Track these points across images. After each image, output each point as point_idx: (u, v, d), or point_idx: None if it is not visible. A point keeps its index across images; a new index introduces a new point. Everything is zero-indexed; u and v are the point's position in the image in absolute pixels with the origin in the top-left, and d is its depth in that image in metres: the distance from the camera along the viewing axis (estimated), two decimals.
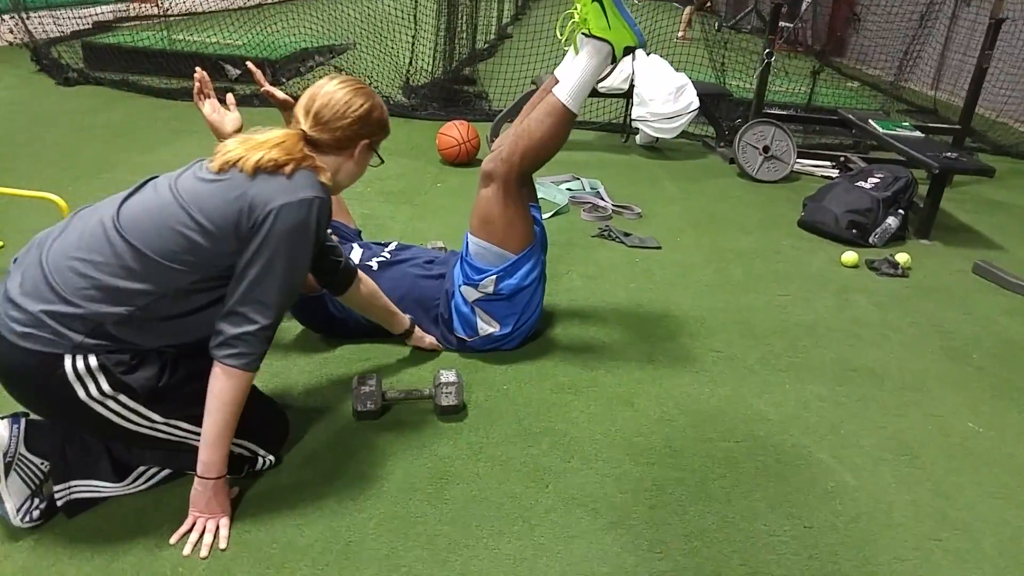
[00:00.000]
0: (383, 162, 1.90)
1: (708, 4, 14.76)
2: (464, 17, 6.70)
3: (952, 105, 6.88)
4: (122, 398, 1.53)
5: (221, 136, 2.03)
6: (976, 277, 3.35)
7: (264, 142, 1.63)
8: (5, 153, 4.10)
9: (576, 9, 2.16)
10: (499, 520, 1.72)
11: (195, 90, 2.09)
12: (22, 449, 1.59)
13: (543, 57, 6.07)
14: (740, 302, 2.94)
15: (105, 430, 1.57)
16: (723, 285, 3.08)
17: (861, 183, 3.74)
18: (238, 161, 1.59)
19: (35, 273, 1.50)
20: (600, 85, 4.65)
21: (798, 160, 4.66)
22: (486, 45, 8.87)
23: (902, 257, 3.34)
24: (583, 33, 2.16)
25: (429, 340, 2.37)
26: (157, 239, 1.52)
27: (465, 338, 2.38)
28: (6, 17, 6.30)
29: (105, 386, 1.50)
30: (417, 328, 2.34)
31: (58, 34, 7.00)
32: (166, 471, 1.72)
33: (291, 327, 2.46)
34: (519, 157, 2.21)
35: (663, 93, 4.58)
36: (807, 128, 5.48)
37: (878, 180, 3.73)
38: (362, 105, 1.73)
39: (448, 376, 2.05)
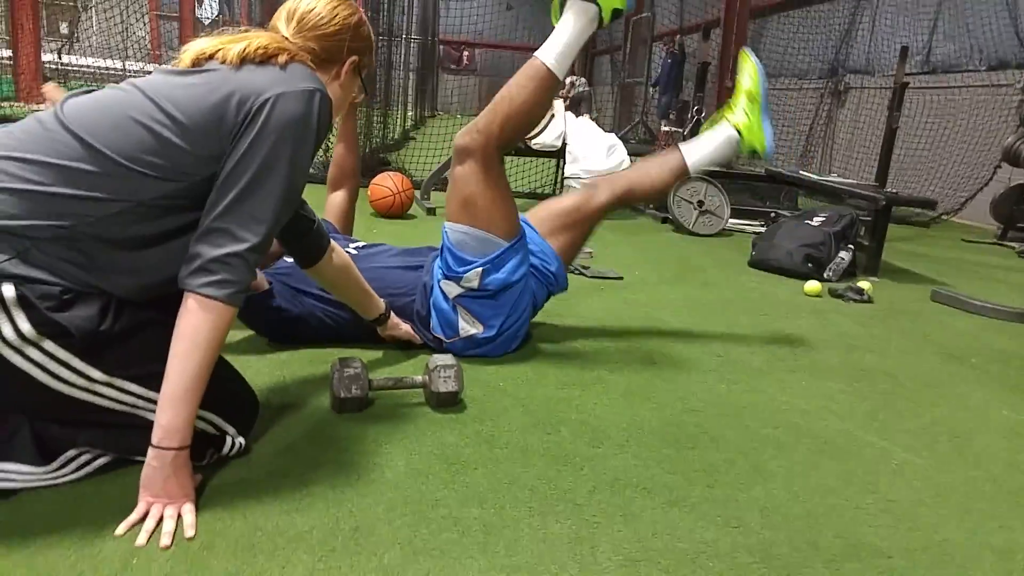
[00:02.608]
0: (367, 95, 1.62)
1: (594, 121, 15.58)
2: (376, 110, 6.73)
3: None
4: (48, 345, 1.12)
5: None
6: (937, 304, 3.32)
7: (244, 34, 1.33)
8: None
9: None
10: (537, 502, 1.37)
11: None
12: None
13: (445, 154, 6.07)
14: (723, 319, 2.75)
15: (22, 393, 1.15)
16: (698, 306, 2.90)
17: (808, 222, 3.74)
18: (216, 53, 1.28)
19: None
20: (534, 142, 4.59)
21: (729, 220, 4.68)
22: (395, 140, 8.89)
23: (865, 284, 3.28)
24: None
25: (405, 328, 2.03)
26: (116, 133, 1.17)
27: (444, 338, 2.05)
28: None
29: (25, 326, 1.10)
30: (393, 315, 1.99)
31: None
32: (105, 457, 1.28)
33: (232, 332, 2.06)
34: (499, 126, 1.97)
35: (596, 151, 4.55)
36: (731, 188, 5.57)
37: (824, 218, 3.74)
38: (350, 15, 1.47)
39: (445, 359, 1.71)
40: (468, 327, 2.03)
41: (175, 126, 1.18)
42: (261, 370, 1.85)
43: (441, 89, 17.89)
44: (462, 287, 2.00)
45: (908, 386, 2.21)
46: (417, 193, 4.51)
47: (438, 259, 2.07)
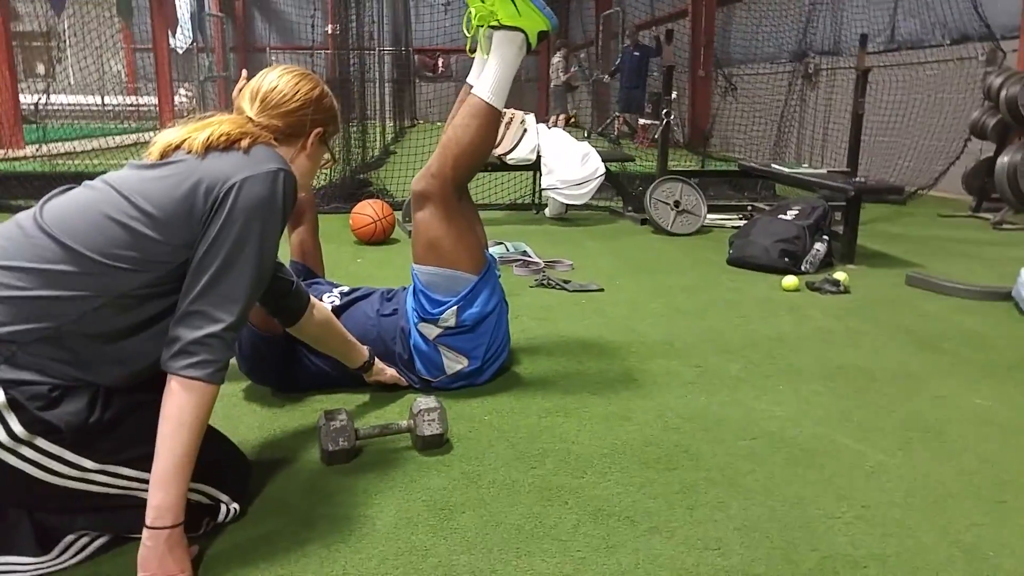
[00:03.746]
0: (336, 161, 1.68)
1: (573, 119, 15.60)
2: (354, 131, 6.74)
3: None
4: (40, 443, 1.17)
5: None
6: (912, 288, 3.39)
7: (208, 122, 1.38)
8: None
9: (473, 9, 2.04)
10: (523, 541, 1.42)
11: None
12: None
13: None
14: (702, 325, 2.81)
15: (19, 489, 1.20)
16: (678, 314, 2.95)
17: (782, 216, 3.80)
18: (182, 143, 1.34)
19: None
20: (508, 157, 4.64)
21: (708, 216, 4.74)
22: (374, 158, 8.91)
23: (840, 275, 3.35)
24: (491, 26, 2.03)
25: (391, 373, 2.07)
26: (92, 232, 1.22)
27: (430, 379, 2.10)
28: None
29: (17, 427, 1.15)
30: (377, 360, 2.04)
31: None
32: (104, 538, 1.33)
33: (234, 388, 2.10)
34: (451, 168, 2.03)
35: (570, 160, 4.60)
36: (706, 185, 5.64)
37: (797, 211, 3.80)
38: (312, 89, 1.52)
39: (428, 402, 1.76)
40: (454, 364, 2.08)
41: (147, 219, 1.24)
42: (252, 424, 1.90)
43: (420, 97, 17.93)
44: (440, 327, 2.05)
45: (882, 381, 2.28)
46: (399, 215, 4.56)
47: (410, 300, 2.12)
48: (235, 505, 1.43)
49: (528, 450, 1.79)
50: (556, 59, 13.66)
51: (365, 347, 2.00)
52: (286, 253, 1.75)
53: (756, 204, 4.84)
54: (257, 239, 1.29)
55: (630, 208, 5.15)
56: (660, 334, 2.69)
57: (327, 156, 1.60)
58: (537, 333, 2.67)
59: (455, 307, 2.04)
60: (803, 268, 3.60)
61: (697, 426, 1.94)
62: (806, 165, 4.46)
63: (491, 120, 2.06)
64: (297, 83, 1.49)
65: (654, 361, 2.42)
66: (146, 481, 1.24)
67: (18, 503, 1.25)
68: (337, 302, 2.14)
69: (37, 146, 8.50)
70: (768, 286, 3.39)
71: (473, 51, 2.14)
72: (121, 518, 1.30)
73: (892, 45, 7.27)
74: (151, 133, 11.98)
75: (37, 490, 1.19)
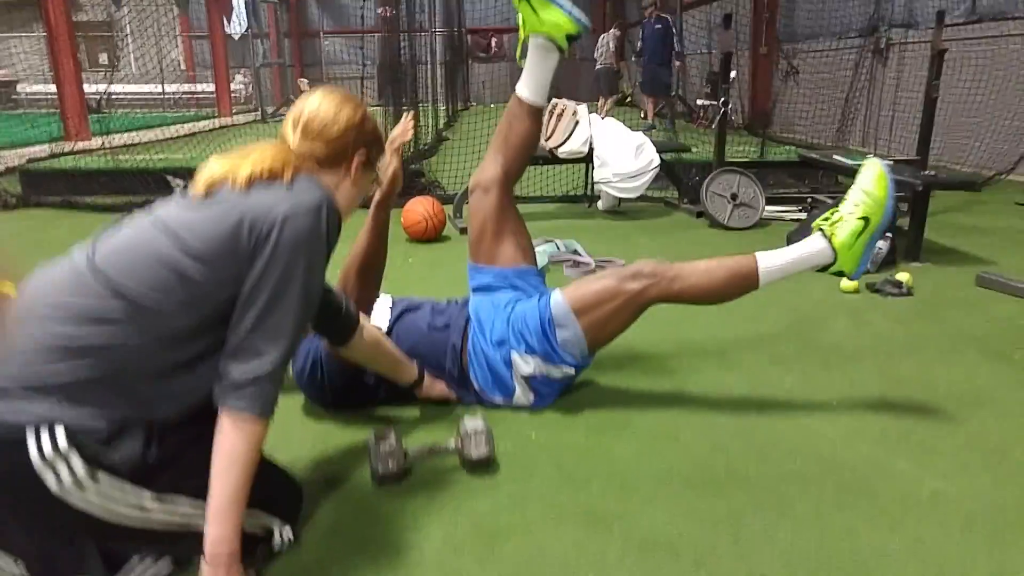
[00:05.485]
0: (381, 183, 1.70)
1: (628, 99, 15.31)
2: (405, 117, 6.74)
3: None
4: (102, 480, 1.22)
5: None
6: (982, 290, 3.25)
7: (250, 153, 1.41)
8: None
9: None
10: (568, 573, 1.44)
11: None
12: None
13: (479, 153, 6.08)
14: (756, 331, 2.76)
15: (84, 523, 1.25)
16: (732, 317, 2.89)
17: None
18: (226, 179, 1.37)
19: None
20: (560, 150, 4.61)
21: (766, 208, 4.63)
22: (426, 146, 8.95)
23: (903, 276, 3.24)
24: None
25: (439, 388, 2.09)
26: (143, 276, 1.27)
27: (493, 399, 2.11)
28: None
29: (79, 467, 1.20)
30: (427, 376, 2.07)
31: None
32: (167, 559, 1.40)
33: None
34: (675, 291, 2.00)
35: (624, 152, 4.54)
36: (764, 174, 5.51)
37: None
38: (354, 113, 1.53)
39: (475, 425, 1.78)
40: (523, 399, 2.10)
41: (195, 262, 1.28)
42: (304, 440, 1.95)
43: (473, 79, 17.91)
44: (546, 369, 2.04)
45: (945, 395, 2.20)
46: (449, 209, 4.58)
47: (483, 326, 2.09)
48: (289, 534, 1.48)
49: (574, 472, 1.80)
50: (605, 38, 13.04)
51: (414, 363, 2.03)
52: (334, 274, 1.78)
53: (817, 196, 4.69)
54: (302, 274, 1.32)
55: (686, 200, 5.07)
56: (712, 342, 2.66)
57: (372, 179, 1.62)
58: None
59: (571, 368, 2.06)
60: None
61: (746, 446, 1.91)
62: (870, 155, 4.28)
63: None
64: (339, 108, 1.51)
65: (705, 372, 2.39)
66: (203, 510, 1.29)
67: (85, 533, 1.32)
68: (388, 320, 2.15)
69: (103, 137, 8.77)
70: (826, 287, 3.30)
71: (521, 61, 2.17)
72: (181, 546, 1.36)
73: (973, 16, 6.89)
74: (209, 122, 12.38)
75: (101, 524, 1.25)
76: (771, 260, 1.98)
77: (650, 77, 10.60)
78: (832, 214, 2.00)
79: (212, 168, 1.40)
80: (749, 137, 8.77)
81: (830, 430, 2.00)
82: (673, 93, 11.66)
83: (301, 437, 1.97)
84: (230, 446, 1.28)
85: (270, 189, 1.35)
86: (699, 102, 11.56)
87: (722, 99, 4.68)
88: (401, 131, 2.05)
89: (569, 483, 1.75)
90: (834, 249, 1.96)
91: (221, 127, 12.12)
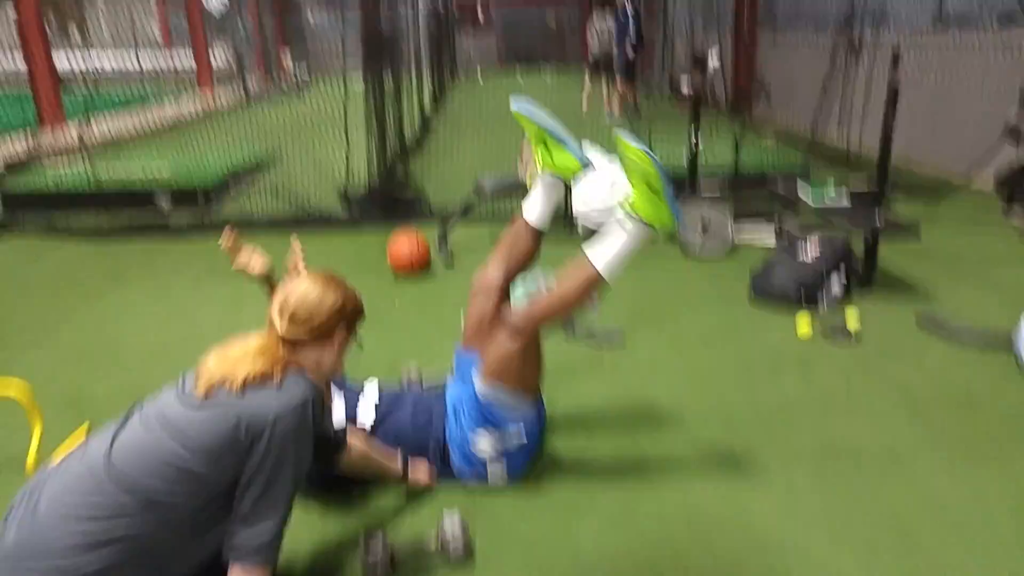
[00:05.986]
0: (360, 344, 1.95)
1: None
2: (391, 115, 6.68)
3: (864, 155, 7.31)
4: None
5: (250, 278, 2.24)
6: (922, 331, 3.54)
7: (244, 355, 1.67)
8: None
9: (628, 190, 2.20)
10: None
11: (227, 248, 2.24)
12: None
13: (467, 151, 6.16)
14: (712, 391, 3.04)
15: None
16: (692, 374, 3.18)
17: (803, 259, 3.94)
18: (224, 382, 1.62)
19: (31, 532, 1.48)
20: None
21: (738, 233, 4.88)
22: (415, 139, 9.03)
23: (852, 321, 3.52)
24: (627, 212, 2.17)
25: (423, 475, 2.35)
26: (154, 478, 1.54)
27: (472, 482, 2.38)
28: None
29: None
30: (411, 468, 2.34)
31: None
32: None
33: None
34: (547, 318, 2.25)
35: (599, 187, 4.73)
36: (739, 185, 5.73)
37: (818, 253, 3.93)
38: (336, 299, 1.81)
39: (452, 526, 2.06)
40: (498, 479, 2.38)
41: (197, 458, 1.55)
42: (305, 521, 2.21)
43: (460, 52, 17.88)
44: (503, 441, 2.31)
45: (868, 463, 2.50)
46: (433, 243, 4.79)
47: (458, 414, 2.35)
48: None
49: (541, 563, 2.07)
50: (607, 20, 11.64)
51: (398, 463, 2.30)
52: None
53: (784, 226, 4.94)
54: (291, 459, 1.62)
55: None
56: (672, 404, 2.92)
57: (355, 342, 1.91)
58: (558, 401, 2.93)
59: (522, 427, 2.32)
60: (820, 306, 3.76)
61: (693, 530, 2.19)
62: (832, 194, 4.48)
63: (596, 290, 2.22)
64: (321, 299, 1.78)
65: (664, 438, 2.67)
66: None
67: None
68: (370, 421, 2.40)
69: (79, 123, 8.33)
70: (784, 331, 3.57)
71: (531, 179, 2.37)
72: None
73: (940, 21, 7.06)
74: (191, 103, 12.24)
75: None
76: (605, 257, 2.16)
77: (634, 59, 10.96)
78: (626, 197, 2.19)
79: (211, 371, 1.65)
80: (729, 123, 8.76)
81: (767, 507, 2.28)
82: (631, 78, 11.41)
83: (301, 519, 2.24)
84: None
85: (262, 391, 1.62)
86: (683, 89, 11.63)
87: (693, 141, 4.89)
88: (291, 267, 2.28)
89: (537, 575, 2.03)
90: (646, 221, 2.14)
91: (204, 113, 12.03)
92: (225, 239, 2.24)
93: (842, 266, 3.90)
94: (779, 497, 2.33)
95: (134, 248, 5.28)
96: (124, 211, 5.79)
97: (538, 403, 2.40)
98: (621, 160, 2.20)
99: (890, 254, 4.59)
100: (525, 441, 2.35)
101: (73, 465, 1.58)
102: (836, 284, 3.84)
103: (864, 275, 3.97)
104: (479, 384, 2.30)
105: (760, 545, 2.12)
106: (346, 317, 1.81)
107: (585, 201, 4.67)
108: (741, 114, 9.58)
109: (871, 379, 3.09)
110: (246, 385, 1.61)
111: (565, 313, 2.29)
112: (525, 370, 2.29)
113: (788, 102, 8.42)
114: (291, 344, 1.74)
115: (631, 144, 2.10)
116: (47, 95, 9.21)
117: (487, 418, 2.30)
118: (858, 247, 4.08)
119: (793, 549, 2.11)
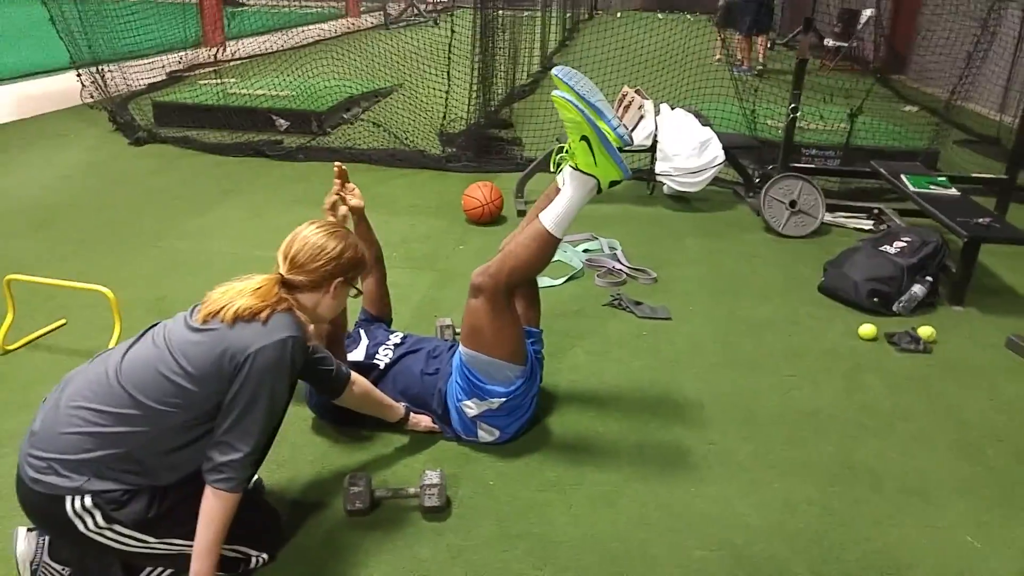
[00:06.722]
0: (360, 293, 2.06)
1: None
2: (502, 52, 6.59)
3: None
4: (116, 527, 1.70)
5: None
6: (1009, 353, 3.23)
7: (242, 290, 1.80)
8: (77, 219, 4.45)
9: (568, 144, 2.25)
10: None
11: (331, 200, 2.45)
12: (46, 558, 1.82)
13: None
14: (744, 384, 2.93)
15: (108, 553, 1.75)
16: (730, 363, 3.07)
17: (886, 247, 3.67)
18: (219, 312, 1.76)
19: (51, 422, 1.70)
20: None
21: (829, 212, 4.60)
22: (529, 80, 8.89)
23: (925, 331, 3.25)
24: (570, 166, 2.24)
25: (425, 424, 2.48)
26: (151, 386, 1.70)
27: (464, 437, 2.47)
28: (85, 81, 6.68)
29: (100, 520, 1.68)
30: (412, 415, 2.46)
31: (129, 89, 7.33)
32: (171, 570, 1.89)
33: (303, 416, 2.59)
34: (505, 275, 2.29)
35: (687, 148, 4.59)
36: (851, 159, 5.38)
37: (904, 244, 3.65)
38: (335, 248, 1.92)
39: (432, 478, 2.15)
40: (487, 436, 2.45)
41: (188, 376, 1.71)
42: (308, 458, 2.39)
43: None
44: (483, 407, 2.39)
45: (886, 491, 2.33)
46: (511, 191, 4.80)
47: (454, 375, 2.44)
48: (264, 556, 1.95)
49: (510, 529, 2.13)
50: None
51: (400, 405, 2.42)
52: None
53: (883, 209, 4.60)
54: (268, 393, 1.73)
55: (751, 194, 5.06)
56: (698, 392, 2.86)
57: (352, 293, 2.01)
58: (582, 374, 2.93)
59: (503, 399, 2.37)
60: (895, 309, 3.51)
61: (671, 524, 2.17)
62: (943, 180, 4.11)
63: (548, 245, 2.29)
64: (323, 243, 1.91)
65: (673, 430, 2.62)
66: (191, 546, 1.74)
67: (109, 554, 1.81)
68: (387, 360, 2.55)
69: (235, 46, 9.34)
70: (844, 330, 3.37)
71: (556, 173, 2.35)
72: (179, 563, 1.83)
73: None
74: (336, 23, 12.70)
75: (118, 553, 1.75)
76: (553, 213, 2.24)
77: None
78: (566, 152, 2.25)
79: (213, 300, 1.80)
80: (873, 84, 8.00)
81: (755, 518, 2.21)
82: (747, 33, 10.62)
83: (306, 455, 2.41)
84: (209, 509, 1.72)
85: (250, 325, 1.74)
86: (828, 42, 10.89)
87: (791, 106, 4.58)
88: (329, 203, 2.42)
89: (501, 541, 2.09)
90: (589, 173, 2.18)
91: (345, 33, 12.55)
92: (337, 170, 2.45)
93: (931, 267, 3.59)
94: (773, 511, 2.24)
95: (245, 166, 5.71)
96: (247, 129, 6.22)
97: (527, 369, 2.40)
98: (563, 119, 2.22)
99: (995, 259, 4.19)
100: (511, 404, 2.39)
101: (97, 366, 1.78)
102: (920, 284, 3.53)
103: (957, 279, 3.64)
104: (461, 349, 2.37)
105: (734, 555, 2.07)
106: (343, 267, 1.92)
107: (673, 162, 4.57)
108: (882, 78, 8.83)
109: (926, 399, 2.86)
110: (236, 318, 1.73)
111: (522, 271, 2.32)
112: (500, 335, 2.31)
113: (946, 69, 7.59)
114: (289, 286, 1.87)
115: (556, 93, 2.15)
116: (211, 13, 10.18)
117: (472, 383, 2.36)
118: (956, 245, 3.73)
119: (769, 564, 2.04)
